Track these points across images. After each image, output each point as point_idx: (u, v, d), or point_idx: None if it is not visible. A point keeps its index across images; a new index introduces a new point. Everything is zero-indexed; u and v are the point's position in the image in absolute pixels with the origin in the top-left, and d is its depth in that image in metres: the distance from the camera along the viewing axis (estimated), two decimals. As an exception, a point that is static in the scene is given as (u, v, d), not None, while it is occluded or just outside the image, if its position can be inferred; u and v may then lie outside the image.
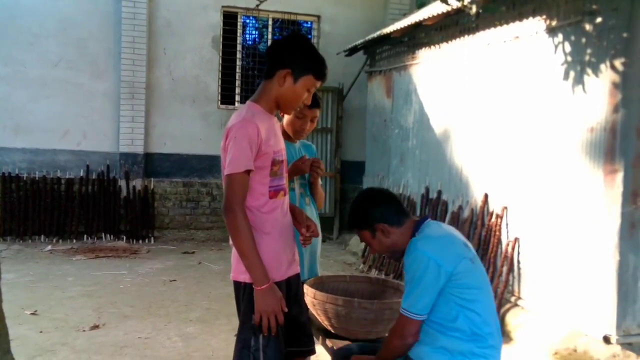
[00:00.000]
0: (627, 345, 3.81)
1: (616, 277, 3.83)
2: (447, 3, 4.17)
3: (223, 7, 8.93)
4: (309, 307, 2.85)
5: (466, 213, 5.53)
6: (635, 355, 3.75)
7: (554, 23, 4.44)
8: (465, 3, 4.18)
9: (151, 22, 8.59)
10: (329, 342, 2.84)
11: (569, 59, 4.28)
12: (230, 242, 2.26)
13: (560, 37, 4.38)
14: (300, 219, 2.50)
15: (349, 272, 6.86)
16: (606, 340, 3.85)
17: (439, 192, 6.06)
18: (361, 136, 8.61)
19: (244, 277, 2.26)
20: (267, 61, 2.36)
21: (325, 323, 2.85)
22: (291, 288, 2.43)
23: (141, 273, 6.46)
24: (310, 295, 2.83)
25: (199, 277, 6.40)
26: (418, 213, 6.39)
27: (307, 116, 3.03)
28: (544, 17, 4.55)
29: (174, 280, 6.18)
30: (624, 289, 3.83)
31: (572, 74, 4.24)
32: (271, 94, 2.30)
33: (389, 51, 7.67)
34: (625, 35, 3.79)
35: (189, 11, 8.75)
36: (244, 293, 2.28)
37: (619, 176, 3.82)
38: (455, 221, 5.61)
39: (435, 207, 6.07)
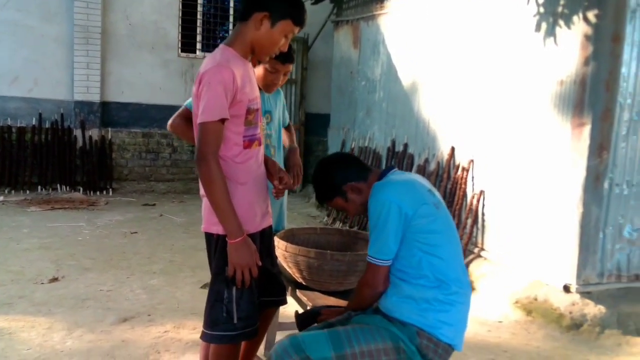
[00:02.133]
0: (586, 294, 3.93)
1: (579, 229, 3.91)
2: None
3: (183, -52, 8.49)
4: (279, 259, 2.80)
5: (432, 166, 5.53)
6: (593, 304, 3.88)
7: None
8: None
9: (106, -38, 8.10)
10: (299, 294, 2.80)
11: (542, 10, 4.22)
12: (202, 192, 2.16)
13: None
14: (273, 170, 2.41)
15: (314, 224, 6.85)
16: (566, 289, 3.95)
17: (405, 145, 6.03)
18: (326, 88, 8.47)
19: (217, 229, 2.17)
20: (243, 1, 2.22)
21: (297, 275, 2.81)
22: (264, 240, 2.37)
23: (100, 225, 6.28)
24: (281, 247, 2.77)
25: (160, 229, 6.27)
26: (384, 166, 6.37)
27: (280, 71, 2.90)
28: (518, -34, 4.46)
29: (135, 232, 6.04)
30: (585, 240, 3.92)
31: (544, 25, 4.20)
32: (246, 37, 2.16)
33: (357, 0, 7.47)
34: (599, -14, 3.75)
35: (146, -49, 8.29)
36: (216, 245, 2.20)
37: (587, 129, 3.85)
38: (422, 174, 5.61)
39: (401, 160, 6.05)
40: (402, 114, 6.18)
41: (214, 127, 2.03)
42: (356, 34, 7.30)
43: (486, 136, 4.80)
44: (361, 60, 7.18)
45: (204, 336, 2.24)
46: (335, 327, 2.13)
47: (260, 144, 2.32)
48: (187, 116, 2.84)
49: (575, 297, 3.92)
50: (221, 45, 2.20)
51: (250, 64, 2.28)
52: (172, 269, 4.84)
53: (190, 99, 2.90)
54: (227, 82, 2.03)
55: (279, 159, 3.13)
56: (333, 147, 7.93)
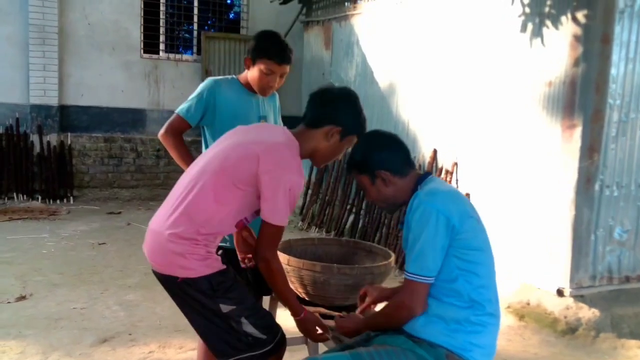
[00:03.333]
0: (579, 298, 3.90)
1: (571, 232, 3.88)
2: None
3: (144, -55, 8.16)
4: (281, 273, 2.63)
5: (413, 169, 5.44)
6: (587, 307, 3.85)
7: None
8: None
9: (62, -41, 7.70)
10: (303, 310, 2.64)
11: (527, 10, 4.18)
12: (168, 230, 1.98)
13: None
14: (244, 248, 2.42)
15: (288, 230, 6.66)
16: (559, 293, 3.92)
17: (384, 148, 5.92)
18: (296, 90, 8.29)
19: (184, 273, 1.99)
20: (315, 109, 2.14)
21: (300, 290, 2.64)
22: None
23: (65, 236, 5.93)
24: (283, 261, 2.59)
25: (130, 239, 5.97)
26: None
27: (276, 72, 2.70)
28: (501, -34, 4.41)
29: (103, 243, 5.72)
30: (577, 243, 3.89)
31: (530, 26, 4.16)
32: (311, 144, 2.10)
33: (327, 0, 7.33)
34: (588, -14, 3.72)
35: (105, -52, 7.92)
36: (189, 288, 2.01)
37: (577, 131, 3.82)
38: (402, 177, 5.52)
39: (379, 162, 5.94)
40: (379, 116, 6.07)
41: (281, 231, 2.03)
42: (328, 35, 7.17)
43: (471, 138, 4.73)
44: (334, 61, 7.04)
45: None
46: (357, 349, 1.98)
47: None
48: (178, 128, 2.67)
49: (568, 300, 3.88)
50: (293, 139, 2.07)
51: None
52: (149, 282, 4.56)
53: (183, 105, 2.70)
54: (298, 194, 2.02)
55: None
56: (305, 150, 7.75)
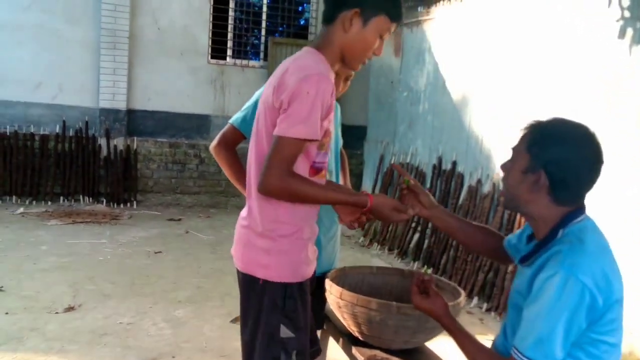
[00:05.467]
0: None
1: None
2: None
3: (215, -50, 8.11)
4: (332, 307, 2.33)
5: (486, 188, 4.99)
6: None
7: (608, -28, 3.82)
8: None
9: (135, -36, 7.76)
10: (356, 352, 2.31)
11: (627, 14, 3.68)
12: (242, 223, 1.87)
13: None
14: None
15: (349, 245, 6.35)
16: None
17: (454, 163, 5.51)
18: (363, 98, 7.97)
19: (263, 273, 1.78)
20: (326, 0, 1.85)
21: (353, 328, 2.31)
22: (311, 285, 1.98)
23: (123, 242, 5.87)
24: (335, 294, 2.27)
25: (187, 248, 5.83)
26: (428, 185, 5.86)
27: (341, 75, 2.40)
28: (596, -35, 3.93)
29: (159, 252, 5.60)
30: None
31: (629, 32, 3.66)
32: (334, 42, 1.79)
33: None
34: None
35: (177, -46, 7.92)
36: (262, 293, 1.79)
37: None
38: (474, 197, 5.09)
39: (449, 179, 5.53)
40: (450, 128, 5.66)
41: (296, 145, 1.66)
42: (398, 41, 6.81)
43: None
44: (403, 69, 6.68)
45: None
46: None
47: (325, 175, 1.91)
48: (232, 140, 2.40)
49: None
50: (310, 49, 1.81)
51: (334, 75, 1.86)
52: (200, 297, 4.38)
53: (237, 115, 2.43)
54: (326, 97, 1.67)
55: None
56: (370, 162, 7.43)
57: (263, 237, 1.78)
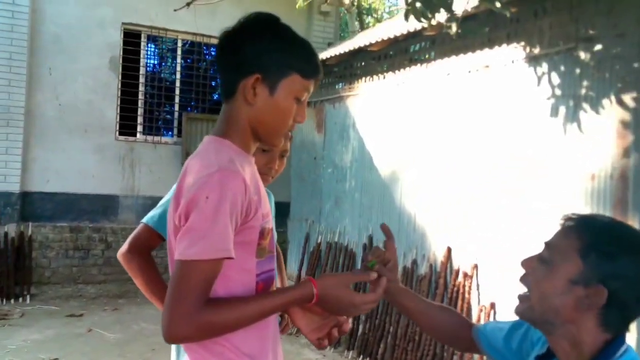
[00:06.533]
0: None
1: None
2: (420, 20, 3.39)
3: (124, 24, 7.71)
4: None
5: (423, 269, 4.72)
6: None
7: (536, 51, 3.81)
8: (443, 21, 3.43)
9: (34, 37, 7.18)
10: None
11: (558, 92, 3.64)
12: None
13: (544, 66, 3.75)
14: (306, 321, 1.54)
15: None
16: None
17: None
18: (285, 174, 7.64)
19: None
20: (220, 70, 1.47)
21: None
22: None
23: (11, 349, 4.98)
24: None
25: (89, 351, 5.05)
26: (359, 266, 5.50)
27: (275, 150, 2.04)
28: (523, 44, 3.91)
29: (55, 359, 4.79)
30: None
31: (562, 109, 3.60)
32: (240, 120, 1.41)
33: (320, 81, 6.85)
34: (636, 65, 3.19)
35: (82, 27, 7.43)
36: None
37: (633, 234, 3.16)
38: (409, 279, 4.79)
39: (381, 260, 5.20)
40: (380, 205, 5.42)
41: (203, 270, 1.24)
42: (320, 117, 6.62)
43: (493, 236, 4.06)
44: (327, 145, 6.46)
45: None
46: None
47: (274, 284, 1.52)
48: (146, 244, 1.94)
49: None
50: (211, 138, 1.41)
51: (253, 161, 1.47)
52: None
53: (152, 212, 1.97)
54: (236, 196, 1.27)
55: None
56: (294, 241, 7.02)
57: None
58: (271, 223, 1.48)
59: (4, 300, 6.61)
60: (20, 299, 6.74)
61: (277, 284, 2.33)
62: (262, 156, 2.03)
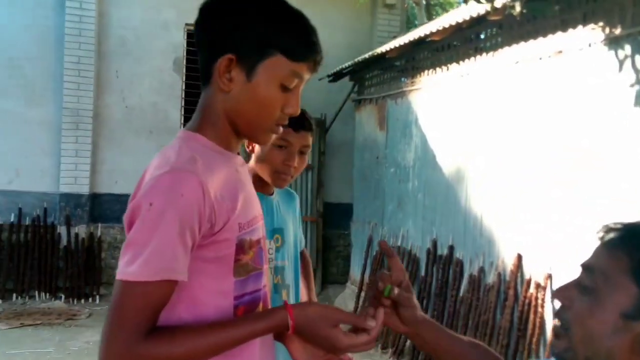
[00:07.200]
0: None
1: None
2: (480, 0, 3.03)
3: (187, 25, 7.72)
4: None
5: (490, 278, 4.30)
6: None
7: (617, 32, 3.32)
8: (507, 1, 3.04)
9: (101, 41, 7.33)
10: None
11: (645, 78, 3.15)
12: None
13: (627, 49, 3.26)
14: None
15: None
16: None
17: (451, 248, 4.83)
18: (347, 174, 7.40)
19: None
20: (199, 51, 1.20)
21: None
22: None
23: (72, 350, 5.05)
24: None
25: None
26: (423, 272, 5.16)
27: (294, 144, 1.80)
28: (601, 24, 3.43)
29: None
30: None
31: (649, 97, 3.10)
32: (216, 110, 1.17)
33: (381, 76, 6.55)
34: None
35: (147, 29, 7.52)
36: None
37: None
38: (476, 288, 4.39)
39: (446, 266, 4.83)
40: (443, 207, 5.03)
41: (142, 293, 1.01)
42: (382, 114, 6.31)
43: (570, 242, 3.59)
44: (389, 143, 6.13)
45: None
46: None
47: (269, 303, 1.29)
48: None
49: None
50: (182, 132, 1.19)
51: (238, 159, 1.23)
52: None
53: None
54: (189, 206, 1.04)
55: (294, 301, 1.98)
56: (357, 245, 6.75)
57: None
58: (259, 233, 1.22)
59: (74, 300, 6.79)
60: (90, 299, 6.90)
61: (304, 297, 2.09)
62: (279, 153, 1.80)
